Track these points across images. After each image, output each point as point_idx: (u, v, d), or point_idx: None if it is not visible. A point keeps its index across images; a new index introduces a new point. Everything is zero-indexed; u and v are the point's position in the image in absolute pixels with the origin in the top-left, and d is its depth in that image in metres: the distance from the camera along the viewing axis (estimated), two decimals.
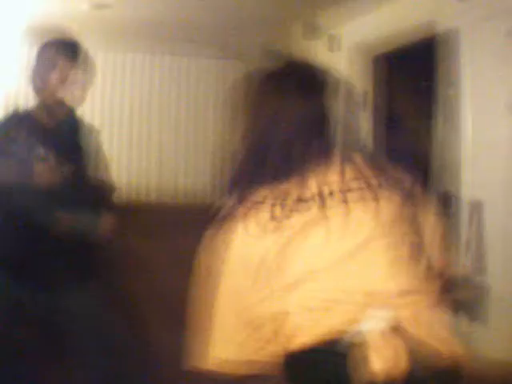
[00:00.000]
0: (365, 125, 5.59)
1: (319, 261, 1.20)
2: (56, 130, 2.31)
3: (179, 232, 2.47)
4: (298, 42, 6.29)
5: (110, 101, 6.25)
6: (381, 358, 1.11)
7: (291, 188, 1.24)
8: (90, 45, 5.34)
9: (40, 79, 2.34)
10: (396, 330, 1.15)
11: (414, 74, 6.12)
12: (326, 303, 1.17)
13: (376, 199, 1.24)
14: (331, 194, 1.23)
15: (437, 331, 1.20)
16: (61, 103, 2.34)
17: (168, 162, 6.39)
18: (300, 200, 1.23)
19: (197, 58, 6.47)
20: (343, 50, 5.91)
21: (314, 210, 1.22)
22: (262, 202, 1.24)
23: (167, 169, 6.37)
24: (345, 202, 1.23)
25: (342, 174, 1.26)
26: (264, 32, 5.97)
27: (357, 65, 5.67)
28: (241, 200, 1.27)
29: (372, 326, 1.14)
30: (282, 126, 1.30)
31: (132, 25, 5.80)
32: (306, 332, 1.17)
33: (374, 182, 1.27)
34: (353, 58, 5.75)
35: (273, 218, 1.21)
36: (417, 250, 1.25)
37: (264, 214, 1.23)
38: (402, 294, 1.19)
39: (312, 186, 1.25)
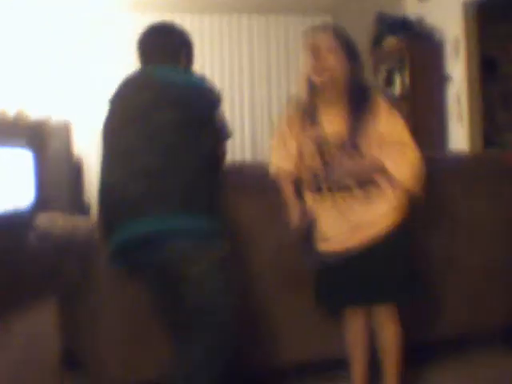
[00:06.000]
0: (458, 72, 5.60)
1: None
2: None
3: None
4: None
5: (200, 63, 6.43)
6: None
7: None
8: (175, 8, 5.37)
9: None
10: None
11: (506, 18, 6.06)
12: None
13: None
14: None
15: None
16: None
17: (261, 121, 6.53)
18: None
19: (287, 15, 6.52)
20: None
21: None
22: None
23: (260, 128, 6.53)
24: None
25: None
26: None
27: (447, 12, 5.67)
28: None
29: None
30: None
31: None
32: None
33: None
34: (443, 6, 5.75)
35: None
36: None
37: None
38: None
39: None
